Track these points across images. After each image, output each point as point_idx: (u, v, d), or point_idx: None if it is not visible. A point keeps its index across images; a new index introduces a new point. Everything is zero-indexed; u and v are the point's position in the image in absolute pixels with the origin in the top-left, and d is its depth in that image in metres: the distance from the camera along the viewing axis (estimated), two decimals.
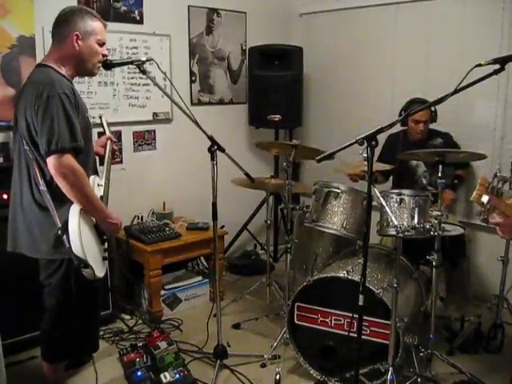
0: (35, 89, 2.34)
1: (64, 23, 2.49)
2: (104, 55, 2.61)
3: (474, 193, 1.94)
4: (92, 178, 2.59)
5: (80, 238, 2.31)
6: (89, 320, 2.77)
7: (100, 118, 3.11)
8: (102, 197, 2.59)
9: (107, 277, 3.69)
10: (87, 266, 2.35)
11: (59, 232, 2.34)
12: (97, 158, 2.84)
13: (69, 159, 2.31)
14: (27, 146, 2.40)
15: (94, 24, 2.53)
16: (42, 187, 2.38)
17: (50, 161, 2.30)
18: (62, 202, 2.39)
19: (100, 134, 3.26)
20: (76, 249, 2.31)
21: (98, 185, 2.62)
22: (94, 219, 2.51)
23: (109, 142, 2.94)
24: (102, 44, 2.57)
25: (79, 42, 2.48)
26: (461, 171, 4.00)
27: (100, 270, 2.49)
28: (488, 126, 4.09)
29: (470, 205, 4.24)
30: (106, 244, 2.65)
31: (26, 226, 2.48)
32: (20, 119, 2.41)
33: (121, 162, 4.22)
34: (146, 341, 3.32)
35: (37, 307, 2.68)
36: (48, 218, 2.40)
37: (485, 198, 1.93)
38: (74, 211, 2.35)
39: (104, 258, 2.58)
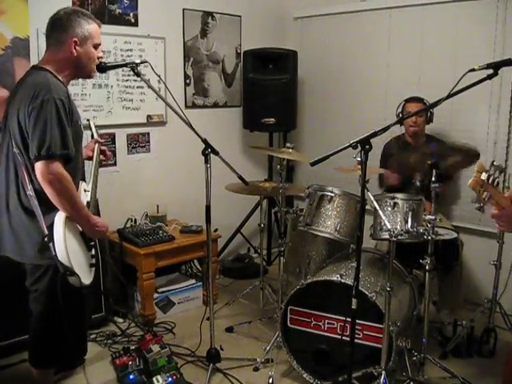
0: (31, 91, 2.30)
1: (60, 28, 2.45)
2: (99, 57, 2.59)
3: (472, 179, 1.94)
4: (79, 183, 2.57)
5: (65, 245, 2.28)
6: (76, 326, 2.70)
7: (88, 120, 3.07)
8: (88, 202, 2.57)
9: (100, 280, 3.68)
10: (73, 273, 2.32)
11: (45, 239, 2.30)
12: (86, 163, 2.82)
13: (57, 166, 2.27)
14: (17, 148, 2.35)
15: (90, 27, 2.50)
16: (30, 192, 2.34)
17: (38, 166, 2.27)
18: (48, 207, 2.34)
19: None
20: (61, 256, 2.28)
21: (85, 190, 2.60)
22: (79, 226, 2.47)
23: (97, 145, 2.90)
24: (97, 46, 2.56)
25: (77, 47, 2.45)
26: (441, 184, 4.01)
27: (87, 277, 2.46)
28: (481, 131, 4.11)
29: (463, 209, 4.26)
30: (93, 250, 2.62)
31: (12, 230, 2.43)
32: (11, 120, 2.37)
33: (114, 164, 4.21)
34: (139, 344, 3.31)
35: (27, 310, 2.66)
36: (34, 223, 2.36)
37: (482, 187, 1.93)
38: (60, 218, 2.32)
39: (91, 265, 2.55)
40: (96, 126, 3.06)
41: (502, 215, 1.98)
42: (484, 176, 1.93)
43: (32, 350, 2.73)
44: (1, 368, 3.17)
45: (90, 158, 2.86)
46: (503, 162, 4.01)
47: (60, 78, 2.46)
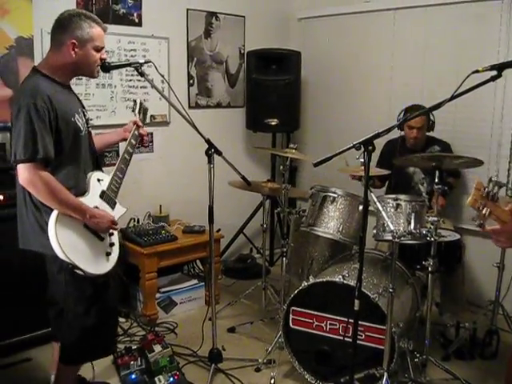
0: (15, 98, 2.39)
1: (61, 29, 2.44)
2: (102, 59, 2.57)
3: (470, 197, 1.92)
4: (90, 174, 2.54)
5: (58, 242, 2.27)
6: (101, 316, 2.63)
7: (134, 101, 3.00)
8: (103, 192, 2.55)
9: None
10: (75, 266, 2.32)
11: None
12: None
13: (27, 172, 2.28)
14: None
15: (92, 30, 2.47)
16: None
17: (18, 171, 2.31)
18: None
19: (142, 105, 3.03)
20: (58, 252, 2.29)
21: (98, 180, 2.57)
22: None
23: (134, 126, 2.85)
24: (100, 49, 2.53)
25: (76, 49, 2.43)
26: (451, 179, 4.02)
27: (99, 266, 2.45)
28: (485, 133, 4.10)
29: (465, 211, 4.25)
30: (114, 238, 2.59)
31: (29, 223, 2.45)
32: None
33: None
34: (141, 344, 3.31)
35: (29, 310, 2.64)
36: (40, 218, 2.39)
37: (481, 204, 1.92)
38: (53, 215, 2.33)
39: (107, 254, 2.52)
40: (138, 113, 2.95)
41: (503, 231, 1.96)
42: (483, 193, 1.91)
43: (63, 346, 2.67)
44: (2, 367, 3.17)
45: (124, 140, 2.84)
46: (507, 163, 4.00)
47: (55, 78, 2.44)
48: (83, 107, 2.65)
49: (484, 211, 1.92)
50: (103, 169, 2.76)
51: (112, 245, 2.57)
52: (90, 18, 2.50)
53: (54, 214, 2.33)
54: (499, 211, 1.93)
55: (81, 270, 2.34)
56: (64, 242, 2.30)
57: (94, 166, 2.67)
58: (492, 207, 1.92)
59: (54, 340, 2.91)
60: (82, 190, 2.48)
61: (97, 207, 2.49)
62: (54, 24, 2.49)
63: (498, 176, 1.94)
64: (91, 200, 2.49)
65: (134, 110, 2.94)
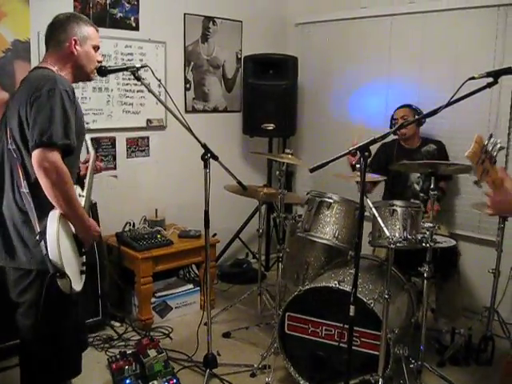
0: (34, 83, 2.27)
1: (60, 29, 2.46)
2: (99, 61, 2.59)
3: (469, 150, 1.85)
4: (74, 187, 2.45)
5: (58, 242, 2.18)
6: (70, 336, 2.56)
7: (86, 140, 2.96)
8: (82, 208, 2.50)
9: (97, 283, 3.67)
10: (63, 275, 2.21)
11: (37, 237, 2.22)
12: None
13: (55, 156, 2.20)
14: (14, 144, 2.30)
15: (89, 29, 2.52)
16: (24, 189, 2.27)
17: (36, 154, 2.18)
18: (43, 212, 2.26)
19: (93, 140, 3.16)
20: (53, 254, 2.17)
21: (79, 195, 2.51)
22: (72, 228, 2.37)
23: (93, 152, 2.85)
24: (96, 49, 2.56)
25: (77, 47, 2.45)
26: (443, 183, 4.05)
27: (77, 283, 2.35)
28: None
29: (459, 216, 4.26)
30: (84, 257, 2.51)
31: (3, 232, 2.37)
32: (11, 116, 2.32)
33: (114, 168, 4.21)
34: (136, 348, 3.30)
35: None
36: (27, 224, 2.30)
37: (480, 159, 1.85)
38: (54, 215, 2.24)
39: (81, 272, 2.44)
40: (93, 138, 3.05)
41: (496, 199, 1.93)
42: (482, 148, 1.85)
43: (25, 371, 2.55)
44: None
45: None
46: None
47: (63, 75, 2.44)
48: None
49: (482, 167, 1.86)
50: None
51: (84, 264, 2.49)
52: (84, 19, 2.55)
53: (57, 212, 2.24)
54: (495, 174, 1.89)
55: (68, 279, 2.23)
56: (62, 246, 2.21)
57: (79, 178, 2.67)
58: (490, 167, 1.88)
59: None
60: None
61: None
62: (50, 26, 2.50)
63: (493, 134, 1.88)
64: None
65: (87, 146, 2.91)
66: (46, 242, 2.20)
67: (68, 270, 2.23)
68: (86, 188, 2.63)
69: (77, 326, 2.62)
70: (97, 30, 2.58)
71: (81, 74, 2.57)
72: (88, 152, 2.90)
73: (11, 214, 2.36)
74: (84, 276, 2.47)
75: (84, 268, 2.48)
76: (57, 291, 2.24)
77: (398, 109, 4.10)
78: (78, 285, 2.35)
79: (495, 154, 1.90)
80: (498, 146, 1.91)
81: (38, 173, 2.21)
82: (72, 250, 2.37)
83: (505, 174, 1.93)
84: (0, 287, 2.69)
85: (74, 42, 2.44)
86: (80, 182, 2.67)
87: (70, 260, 2.32)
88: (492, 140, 1.90)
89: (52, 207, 2.27)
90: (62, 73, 2.45)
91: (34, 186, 2.28)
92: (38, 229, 2.25)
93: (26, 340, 2.52)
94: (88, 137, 2.90)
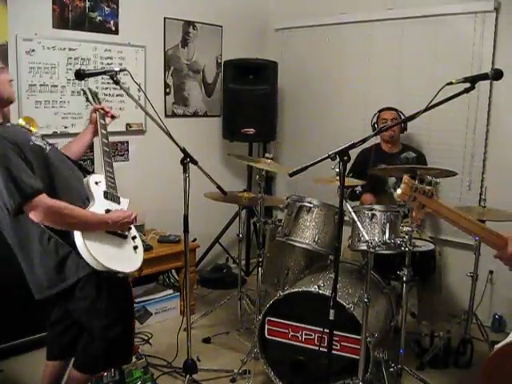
0: None
1: None
2: (10, 80, 2.41)
3: (399, 190, 1.93)
4: (86, 180, 2.48)
5: (90, 253, 2.24)
6: (128, 320, 2.62)
7: (82, 90, 2.93)
8: (105, 192, 2.51)
9: None
10: (115, 272, 2.33)
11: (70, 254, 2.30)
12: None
13: (36, 205, 2.17)
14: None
15: None
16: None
17: (28, 215, 2.19)
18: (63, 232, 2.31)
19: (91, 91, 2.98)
20: (94, 264, 2.26)
21: (96, 183, 2.51)
22: None
23: (97, 113, 2.77)
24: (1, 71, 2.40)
25: None
26: None
27: (133, 263, 2.46)
28: (459, 144, 4.16)
29: (441, 221, 4.29)
30: (133, 231, 2.56)
31: (45, 270, 2.36)
32: None
33: (93, 172, 4.17)
34: None
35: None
36: (61, 254, 2.33)
37: (410, 198, 1.92)
38: (77, 234, 2.27)
39: (135, 248, 2.52)
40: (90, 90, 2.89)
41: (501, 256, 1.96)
42: (412, 187, 1.92)
43: (86, 356, 2.58)
44: None
45: (96, 135, 2.78)
46: (480, 175, 4.07)
47: None
48: (31, 132, 2.49)
49: (416, 203, 1.93)
50: None
51: (134, 238, 2.56)
52: None
53: (77, 233, 2.27)
54: (436, 206, 1.95)
55: (121, 273, 2.35)
56: (97, 253, 2.27)
57: (83, 172, 2.62)
58: (426, 201, 1.93)
59: (51, 359, 2.75)
60: (83, 199, 2.43)
61: (108, 210, 2.45)
62: None
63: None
64: (100, 206, 2.44)
65: (87, 100, 2.89)
66: (80, 256, 2.26)
67: (115, 264, 2.33)
68: (103, 166, 2.60)
69: (129, 310, 2.66)
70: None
71: (2, 105, 2.39)
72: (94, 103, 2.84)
73: (40, 255, 2.35)
74: (138, 250, 2.55)
75: (136, 242, 2.55)
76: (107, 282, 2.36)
77: (382, 111, 4.13)
78: (133, 264, 2.46)
79: (430, 188, 1.94)
80: (433, 181, 1.97)
81: (43, 224, 2.25)
82: (112, 243, 2.42)
83: None
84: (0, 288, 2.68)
85: None
86: (85, 170, 2.68)
87: (115, 253, 2.40)
88: (420, 179, 1.95)
89: None
90: None
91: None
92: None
93: (95, 328, 2.50)
94: (87, 89, 2.89)
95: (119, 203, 2.58)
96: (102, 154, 2.64)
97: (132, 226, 2.59)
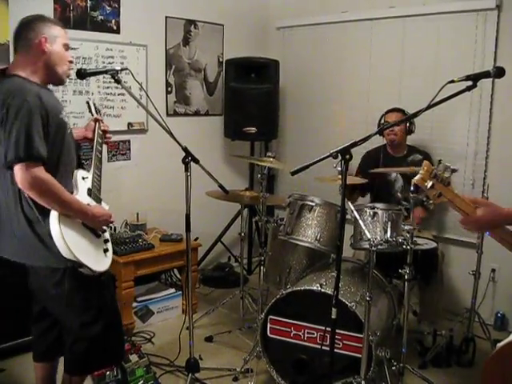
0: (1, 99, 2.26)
1: (29, 28, 2.41)
2: (70, 61, 2.52)
3: (418, 176, 1.96)
4: (75, 173, 2.50)
5: (64, 240, 2.23)
6: (109, 320, 2.58)
7: (87, 102, 2.97)
8: (89, 189, 2.51)
9: None
10: (81, 265, 2.29)
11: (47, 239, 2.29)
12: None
13: (32, 170, 2.20)
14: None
15: (57, 27, 2.47)
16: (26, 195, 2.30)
17: (15, 174, 2.21)
18: (45, 213, 2.29)
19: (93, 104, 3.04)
20: (64, 251, 2.24)
21: (83, 178, 2.53)
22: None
23: (97, 124, 2.81)
24: (66, 47, 2.50)
25: (47, 45, 2.39)
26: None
27: (100, 264, 2.42)
28: (461, 143, 4.16)
29: (447, 221, 4.29)
30: (106, 234, 2.56)
31: (19, 237, 2.37)
32: None
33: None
34: None
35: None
36: (41, 227, 2.32)
37: (429, 183, 1.94)
38: (54, 215, 2.28)
39: (105, 251, 2.50)
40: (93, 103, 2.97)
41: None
42: (431, 173, 1.95)
43: (71, 357, 2.58)
44: None
45: (89, 140, 2.79)
46: (483, 172, 4.06)
47: (32, 79, 2.38)
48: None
49: (434, 192, 1.95)
50: None
51: (107, 241, 2.55)
52: (52, 20, 2.52)
53: (54, 214, 2.27)
54: (458, 201, 1.96)
55: (88, 268, 2.31)
56: (70, 241, 2.26)
57: (79, 163, 2.64)
58: (443, 189, 1.95)
59: (38, 360, 2.74)
60: (70, 190, 2.42)
61: (89, 204, 2.46)
62: (17, 28, 2.44)
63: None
64: (82, 199, 2.44)
65: (90, 111, 2.92)
66: (55, 243, 2.25)
67: (87, 258, 2.31)
68: (92, 164, 2.62)
69: (110, 310, 2.62)
70: (65, 30, 2.52)
71: (53, 76, 2.48)
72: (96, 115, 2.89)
73: (22, 223, 2.35)
74: (108, 253, 2.53)
75: (107, 246, 2.54)
76: (84, 278, 2.36)
77: (389, 112, 4.05)
78: (101, 265, 2.43)
79: (448, 176, 1.96)
80: (450, 169, 1.98)
81: (24, 191, 2.26)
82: (85, 237, 2.41)
83: (482, 202, 2.02)
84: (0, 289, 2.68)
85: (44, 40, 2.38)
86: (80, 164, 2.67)
87: (85, 247, 2.38)
88: (441, 166, 1.96)
89: None
90: (33, 77, 2.39)
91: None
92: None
93: (73, 327, 2.51)
94: (91, 102, 2.93)
95: (100, 204, 2.59)
96: (94, 158, 2.66)
97: (106, 230, 2.60)
